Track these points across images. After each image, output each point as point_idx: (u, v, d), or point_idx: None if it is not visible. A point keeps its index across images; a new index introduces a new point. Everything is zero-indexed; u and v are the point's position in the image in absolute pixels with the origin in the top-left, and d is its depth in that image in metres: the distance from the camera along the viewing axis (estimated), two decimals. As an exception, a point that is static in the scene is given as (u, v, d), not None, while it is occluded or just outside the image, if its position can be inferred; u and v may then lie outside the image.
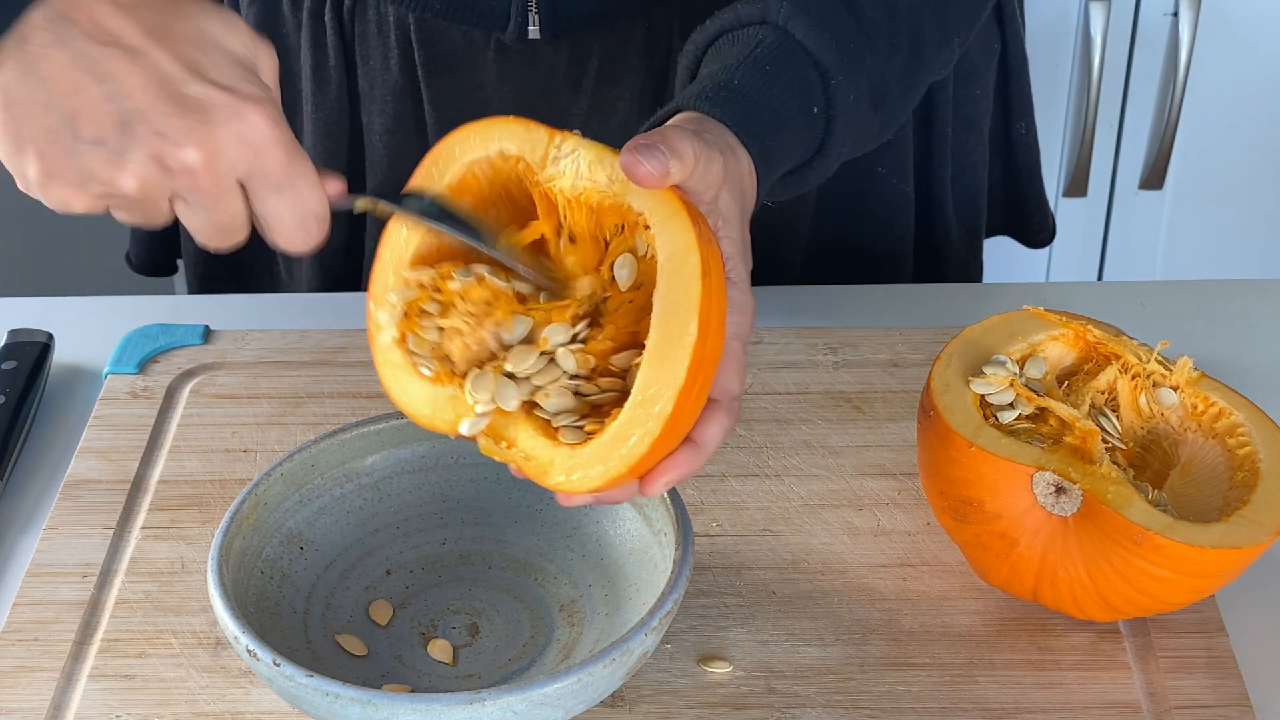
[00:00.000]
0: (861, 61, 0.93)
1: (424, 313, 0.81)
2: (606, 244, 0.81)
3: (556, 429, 0.79)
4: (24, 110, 0.72)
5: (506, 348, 0.81)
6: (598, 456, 0.77)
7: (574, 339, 0.80)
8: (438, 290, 0.81)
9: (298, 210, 0.76)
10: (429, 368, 0.81)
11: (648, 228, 0.78)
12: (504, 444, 0.79)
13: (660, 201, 0.78)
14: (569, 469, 0.77)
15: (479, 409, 0.80)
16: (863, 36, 0.93)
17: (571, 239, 0.82)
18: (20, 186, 0.75)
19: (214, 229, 0.76)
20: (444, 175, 0.82)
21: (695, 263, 0.76)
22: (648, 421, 0.75)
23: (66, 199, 0.74)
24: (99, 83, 0.71)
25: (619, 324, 0.80)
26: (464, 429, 0.80)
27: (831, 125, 0.92)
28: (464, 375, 0.81)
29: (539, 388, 0.79)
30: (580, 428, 0.78)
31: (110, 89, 0.72)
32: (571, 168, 0.80)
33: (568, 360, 0.79)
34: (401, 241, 0.83)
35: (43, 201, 0.75)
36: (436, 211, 0.81)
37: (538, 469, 0.79)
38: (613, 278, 0.81)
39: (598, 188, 0.80)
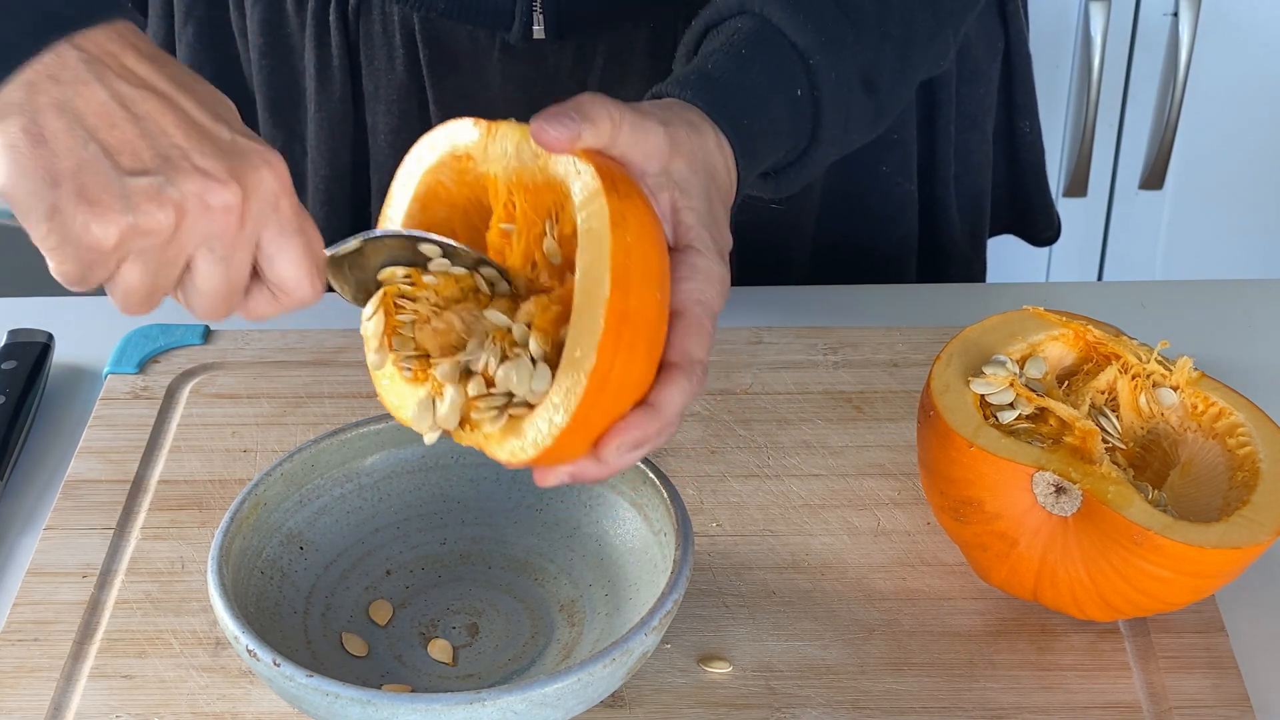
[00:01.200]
0: (844, 44, 0.93)
1: (398, 307, 0.82)
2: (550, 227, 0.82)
3: (509, 410, 0.79)
4: (59, 144, 0.72)
5: (473, 337, 0.81)
6: (537, 423, 0.77)
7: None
8: (410, 281, 0.82)
9: (308, 256, 0.78)
10: (409, 369, 0.82)
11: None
12: (468, 428, 0.80)
13: (577, 164, 0.79)
14: (515, 438, 0.78)
15: (425, 439, 0.81)
16: (845, 20, 0.93)
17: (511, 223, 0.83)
18: (40, 230, 0.73)
19: (224, 289, 0.77)
20: (412, 187, 0.83)
21: (604, 215, 0.76)
22: (575, 375, 0.75)
23: (101, 234, 0.72)
24: (136, 121, 0.73)
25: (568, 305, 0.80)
26: (427, 440, 0.81)
27: (819, 107, 0.92)
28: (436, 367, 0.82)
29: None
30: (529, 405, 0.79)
31: (147, 127, 0.73)
32: (500, 150, 0.81)
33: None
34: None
35: (65, 247, 0.73)
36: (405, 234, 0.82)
37: (490, 443, 0.79)
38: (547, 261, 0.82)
39: (524, 165, 0.80)
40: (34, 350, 1.10)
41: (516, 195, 0.82)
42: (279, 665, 0.79)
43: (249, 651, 0.80)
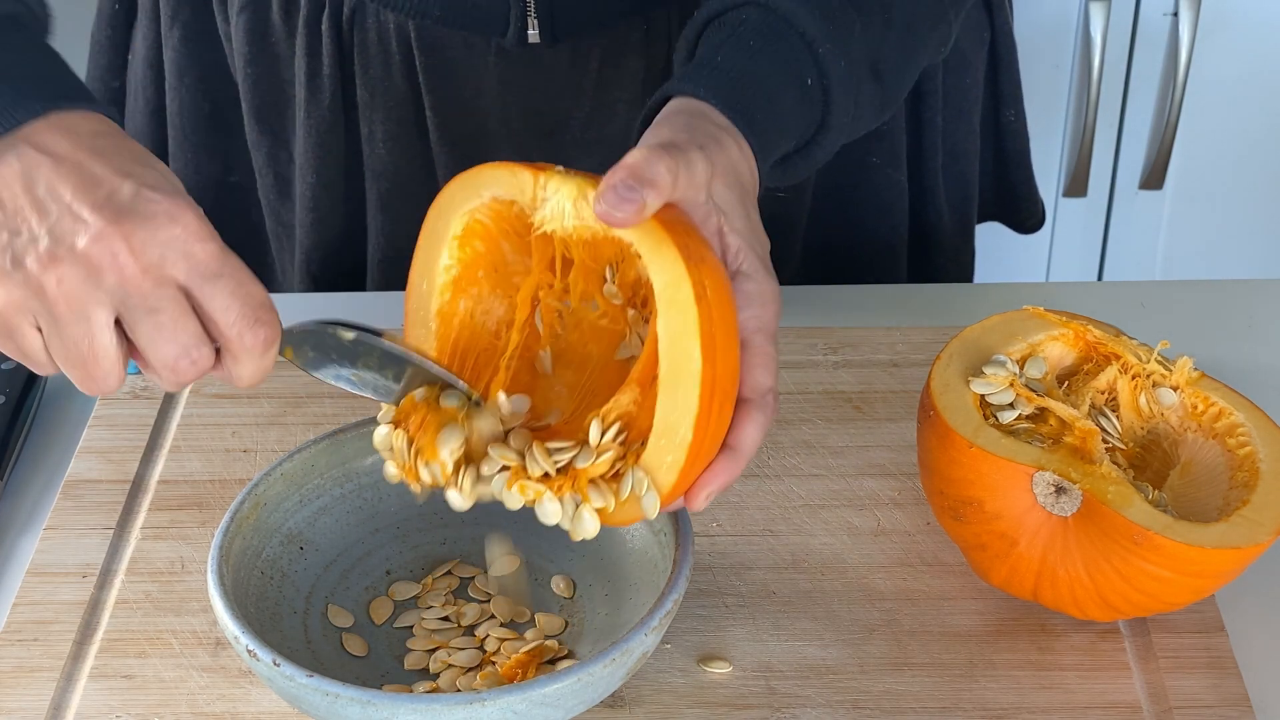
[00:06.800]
0: (851, 32, 0.93)
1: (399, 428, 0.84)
2: (606, 274, 0.83)
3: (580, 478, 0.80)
4: None
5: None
6: (635, 495, 0.79)
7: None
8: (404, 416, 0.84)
9: (240, 297, 0.77)
10: (430, 474, 0.83)
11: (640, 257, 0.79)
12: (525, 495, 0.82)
13: (645, 230, 0.78)
14: (612, 510, 0.79)
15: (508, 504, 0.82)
16: (851, 8, 0.93)
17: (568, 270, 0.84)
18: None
19: (168, 347, 0.76)
20: (449, 228, 0.83)
21: (688, 290, 0.76)
22: (671, 452, 0.77)
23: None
24: (33, 186, 0.76)
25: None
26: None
27: (829, 95, 0.92)
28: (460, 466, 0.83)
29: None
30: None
31: (40, 191, 0.76)
32: (557, 208, 0.81)
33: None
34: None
35: None
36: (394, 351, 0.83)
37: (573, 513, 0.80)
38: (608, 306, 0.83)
39: (587, 224, 0.80)
40: (34, 350, 1.10)
41: (575, 250, 0.82)
42: (279, 665, 0.79)
43: (249, 651, 0.80)
